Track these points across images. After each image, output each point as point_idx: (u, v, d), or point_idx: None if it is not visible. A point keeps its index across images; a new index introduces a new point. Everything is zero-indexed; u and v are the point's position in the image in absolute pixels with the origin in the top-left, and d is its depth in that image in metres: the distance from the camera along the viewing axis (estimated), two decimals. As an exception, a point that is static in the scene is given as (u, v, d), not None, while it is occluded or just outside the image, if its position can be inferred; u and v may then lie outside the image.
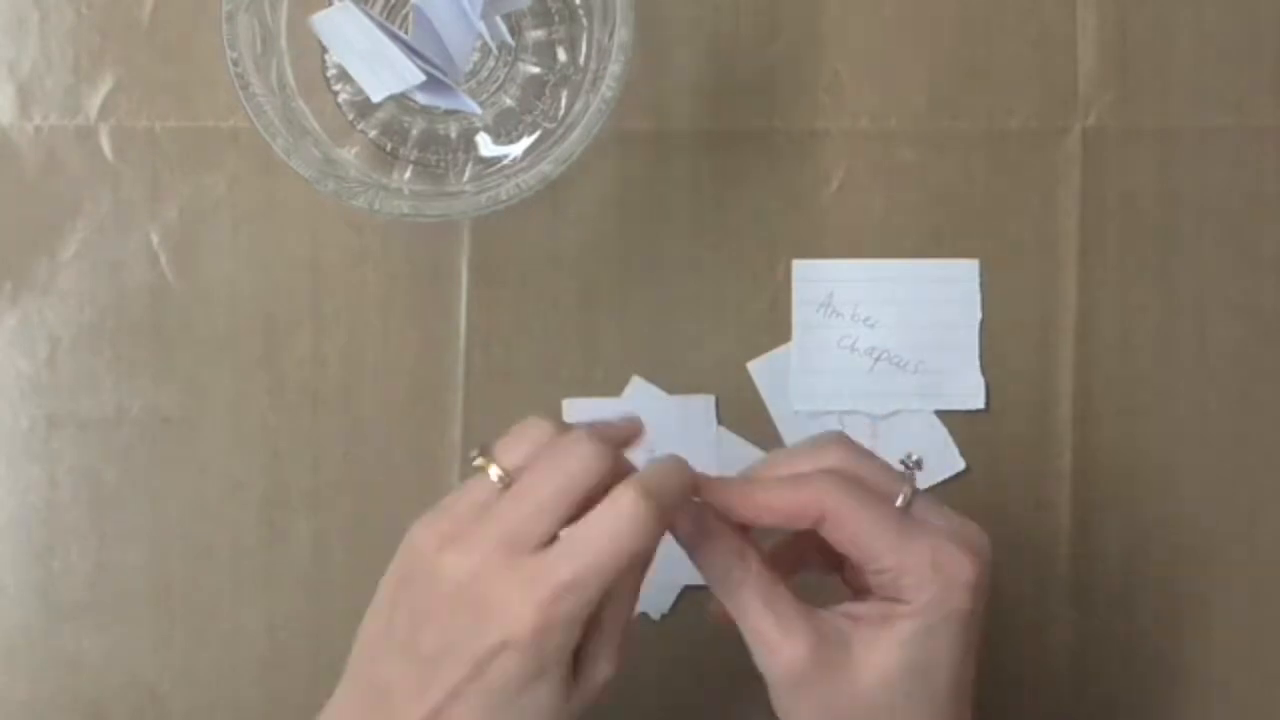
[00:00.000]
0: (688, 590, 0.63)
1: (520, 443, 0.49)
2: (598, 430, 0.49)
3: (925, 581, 0.48)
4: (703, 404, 0.63)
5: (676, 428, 0.63)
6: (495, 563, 0.47)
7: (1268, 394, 0.65)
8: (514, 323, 0.63)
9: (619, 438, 0.51)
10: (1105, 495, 0.64)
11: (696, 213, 0.64)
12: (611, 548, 0.46)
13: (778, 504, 0.49)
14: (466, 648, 0.47)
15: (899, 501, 0.49)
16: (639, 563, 0.48)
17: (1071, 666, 0.64)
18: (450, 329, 0.63)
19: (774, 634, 0.48)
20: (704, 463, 0.50)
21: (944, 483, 0.64)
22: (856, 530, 0.48)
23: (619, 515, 0.47)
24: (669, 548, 0.50)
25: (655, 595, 0.63)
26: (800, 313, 0.63)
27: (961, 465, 0.64)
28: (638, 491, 0.47)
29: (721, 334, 0.63)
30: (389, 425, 0.63)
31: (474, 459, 0.49)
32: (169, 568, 0.63)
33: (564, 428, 0.49)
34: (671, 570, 0.59)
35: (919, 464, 0.51)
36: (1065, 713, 0.64)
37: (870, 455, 0.51)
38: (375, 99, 0.56)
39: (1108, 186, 0.65)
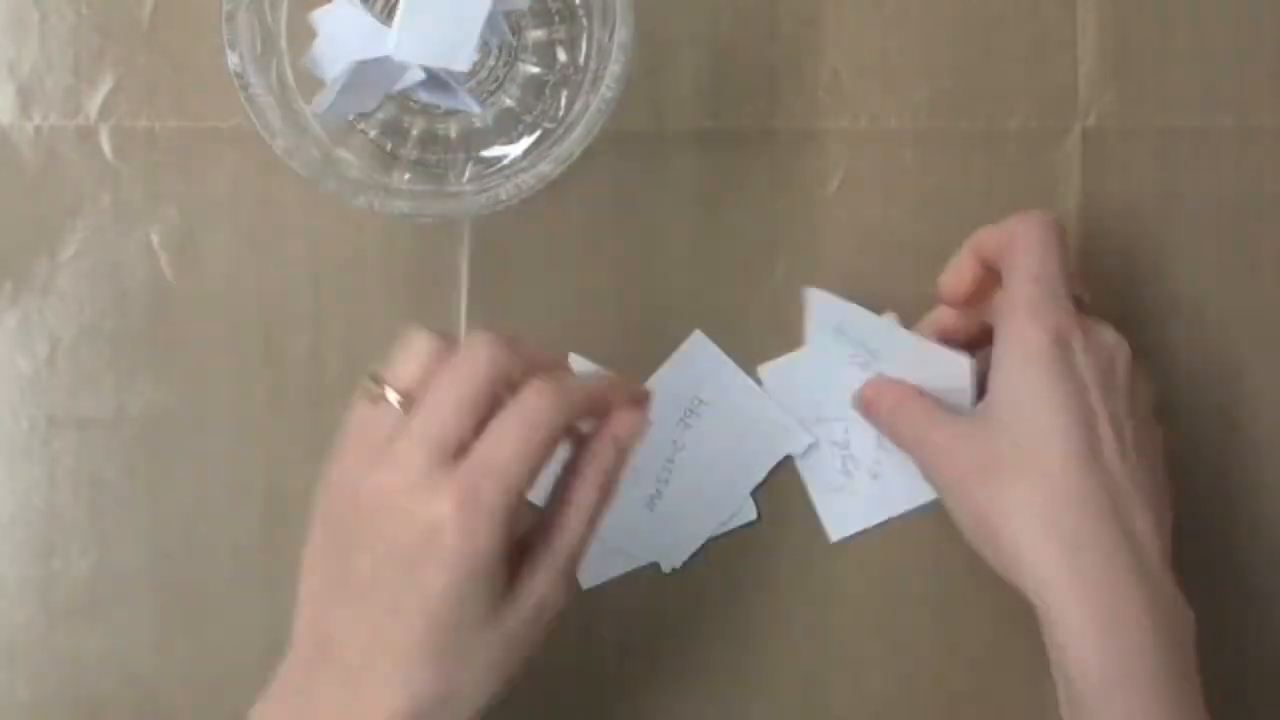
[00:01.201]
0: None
1: (409, 363, 0.50)
2: (499, 336, 0.50)
3: (1018, 311, 0.55)
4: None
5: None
6: (414, 476, 0.48)
7: (1268, 393, 0.65)
8: (514, 323, 0.63)
9: (536, 358, 0.51)
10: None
11: (696, 212, 0.64)
12: (519, 433, 0.48)
13: (988, 241, 0.58)
14: (396, 560, 0.48)
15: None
16: (550, 448, 0.49)
17: (1071, 666, 0.64)
18: (450, 329, 0.63)
19: (928, 421, 0.58)
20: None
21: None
22: (1021, 248, 0.56)
23: (524, 402, 0.48)
24: (683, 503, 0.57)
25: (669, 548, 0.63)
26: (812, 330, 0.63)
27: None
28: (541, 379, 0.49)
29: (721, 334, 0.63)
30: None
31: (368, 385, 0.50)
32: (169, 568, 0.63)
33: (449, 339, 0.50)
34: (686, 524, 0.60)
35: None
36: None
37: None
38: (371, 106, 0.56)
39: (1108, 186, 0.65)
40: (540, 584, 0.49)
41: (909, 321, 0.63)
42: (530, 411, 0.48)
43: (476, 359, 0.49)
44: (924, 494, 0.63)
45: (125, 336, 0.63)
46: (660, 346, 0.63)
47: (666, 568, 0.63)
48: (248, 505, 0.63)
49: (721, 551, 0.63)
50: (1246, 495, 0.65)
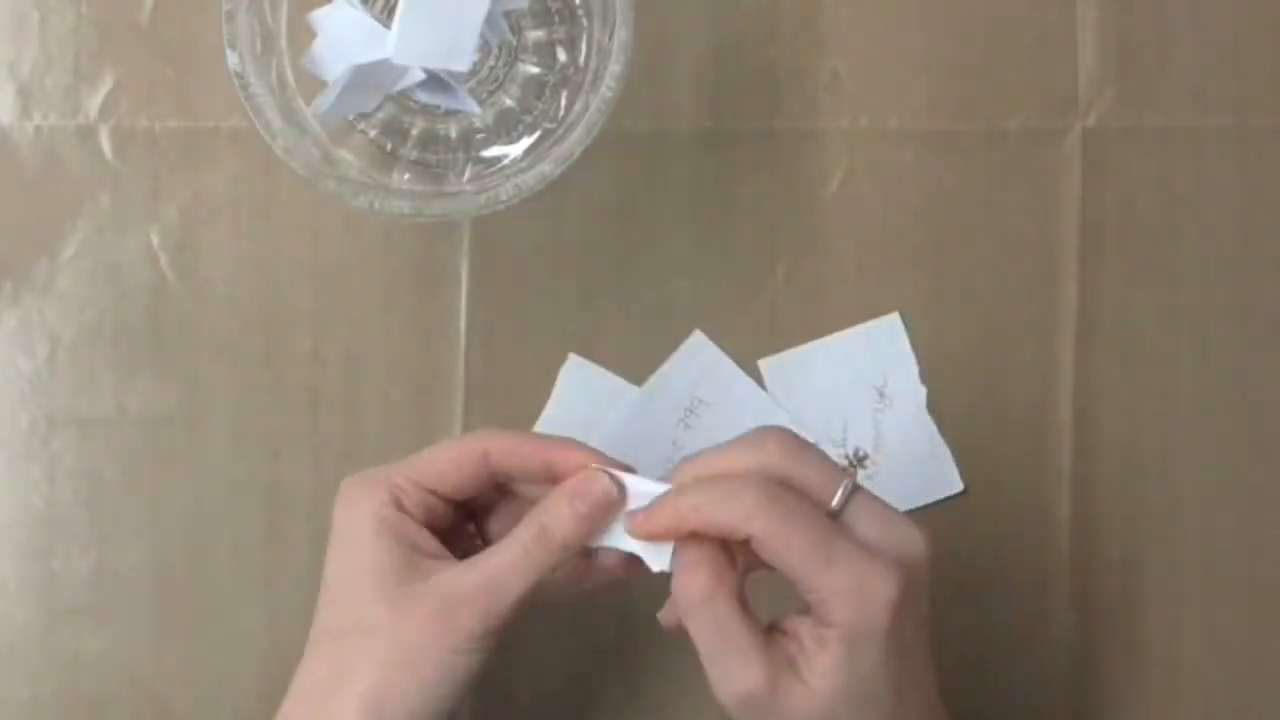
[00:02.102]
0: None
1: None
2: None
3: (846, 605, 0.48)
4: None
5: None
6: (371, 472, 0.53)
7: (1268, 394, 0.65)
8: (514, 323, 0.63)
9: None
10: (1105, 495, 0.64)
11: (696, 213, 0.64)
12: (501, 580, 0.50)
13: (706, 521, 0.49)
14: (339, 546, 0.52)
15: (835, 501, 0.49)
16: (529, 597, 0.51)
17: (1071, 666, 0.64)
18: (450, 329, 0.63)
19: (732, 662, 0.48)
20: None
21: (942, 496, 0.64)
22: (784, 553, 0.48)
23: (513, 550, 0.51)
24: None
25: (656, 549, 0.62)
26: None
27: (959, 483, 0.64)
28: (533, 533, 0.51)
29: (722, 334, 0.63)
30: (389, 425, 0.63)
31: None
32: (169, 568, 0.63)
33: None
34: None
35: (864, 459, 0.51)
36: (1065, 712, 0.64)
37: (810, 451, 0.50)
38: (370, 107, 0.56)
39: (1108, 186, 0.65)
40: (444, 579, 0.51)
41: (907, 324, 0.63)
42: (516, 555, 0.51)
43: (449, 451, 0.53)
44: (918, 497, 0.62)
45: (125, 336, 0.63)
46: (660, 346, 0.63)
47: (656, 569, 0.63)
48: (248, 505, 0.63)
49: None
50: (1248, 495, 0.65)
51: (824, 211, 0.64)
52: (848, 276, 0.64)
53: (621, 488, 0.51)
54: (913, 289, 0.64)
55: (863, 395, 0.63)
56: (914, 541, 0.49)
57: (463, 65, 0.55)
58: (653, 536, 0.50)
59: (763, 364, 0.63)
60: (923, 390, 0.63)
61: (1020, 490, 0.64)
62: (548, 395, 0.63)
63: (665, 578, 0.50)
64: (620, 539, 0.51)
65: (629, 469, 0.52)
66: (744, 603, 0.49)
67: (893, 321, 0.60)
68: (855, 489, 0.49)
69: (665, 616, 0.53)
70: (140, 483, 0.63)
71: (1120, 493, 0.64)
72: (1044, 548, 0.64)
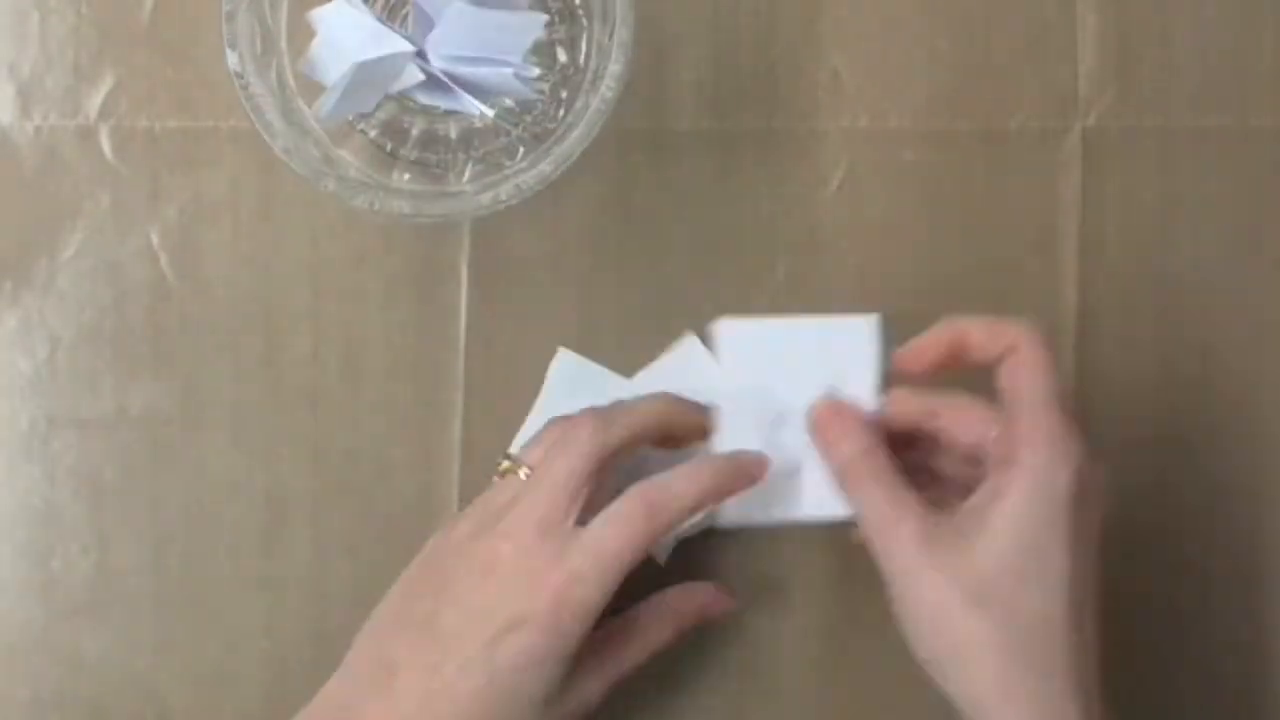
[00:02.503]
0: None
1: (539, 443, 0.55)
2: (606, 411, 0.54)
3: (1040, 446, 0.50)
4: None
5: None
6: (524, 544, 0.51)
7: (1268, 394, 0.65)
8: (514, 323, 0.63)
9: (639, 425, 0.55)
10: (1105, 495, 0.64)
11: (696, 213, 0.64)
12: (614, 547, 0.51)
13: (978, 330, 0.53)
14: (481, 624, 0.51)
15: None
16: (652, 539, 0.52)
17: (1071, 666, 0.64)
18: (450, 329, 0.63)
19: (893, 515, 0.51)
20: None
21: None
22: (1027, 375, 0.51)
23: (619, 519, 0.52)
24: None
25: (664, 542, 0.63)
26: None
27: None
28: (639, 503, 0.52)
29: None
30: (389, 425, 0.63)
31: (501, 466, 0.56)
32: (169, 568, 0.63)
33: (575, 419, 0.54)
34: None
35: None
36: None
37: None
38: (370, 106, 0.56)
39: (1108, 186, 0.65)
40: (592, 689, 0.53)
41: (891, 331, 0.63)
42: (623, 526, 0.52)
43: (579, 438, 0.53)
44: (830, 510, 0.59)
45: (125, 336, 0.63)
46: (660, 347, 0.63)
47: (662, 559, 0.63)
48: (248, 505, 0.63)
49: (721, 547, 0.63)
50: (1248, 495, 0.65)
51: (824, 211, 0.64)
52: (848, 276, 0.64)
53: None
54: (912, 289, 0.64)
55: (812, 389, 0.57)
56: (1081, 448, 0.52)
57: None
58: (930, 346, 0.54)
59: (721, 326, 0.58)
60: (879, 402, 0.56)
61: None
62: (548, 395, 0.63)
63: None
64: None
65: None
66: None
67: (867, 324, 0.56)
68: None
69: (855, 535, 0.54)
70: (140, 483, 0.63)
71: (1120, 493, 0.64)
72: (1044, 548, 0.64)
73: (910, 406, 0.55)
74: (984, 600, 0.49)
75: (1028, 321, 0.53)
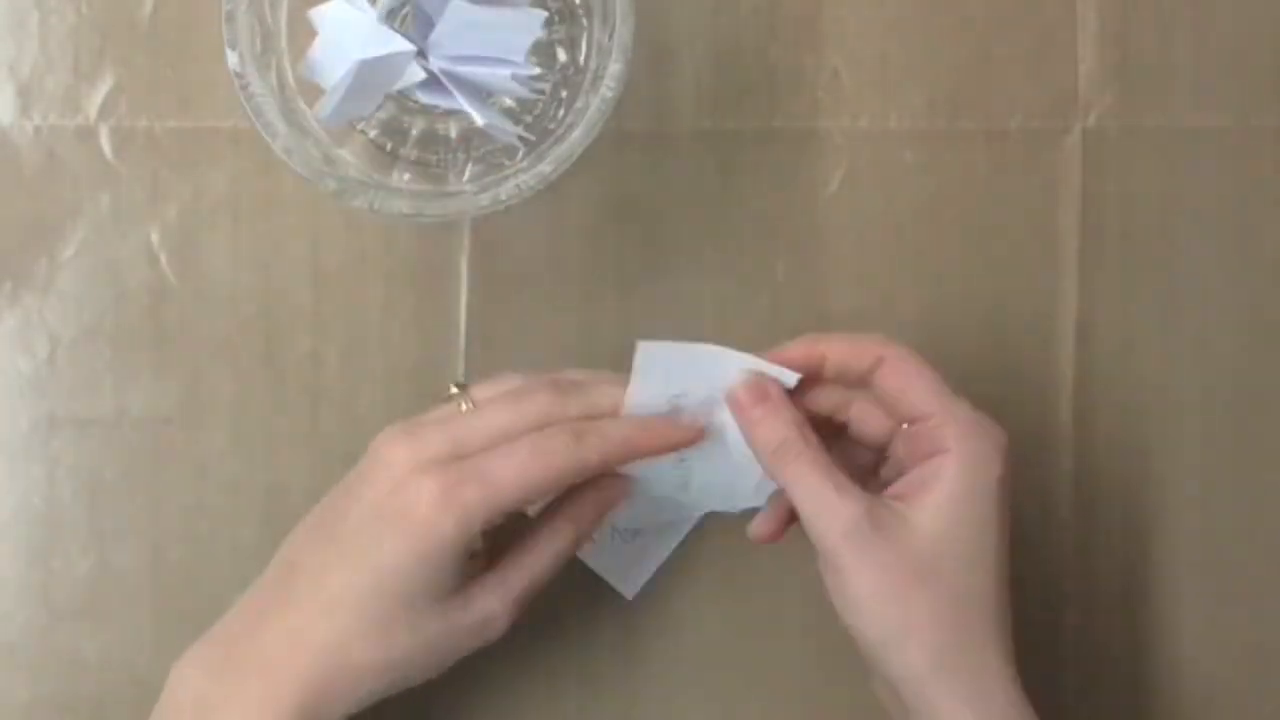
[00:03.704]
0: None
1: (494, 385, 0.55)
2: (566, 382, 0.54)
3: (968, 433, 0.52)
4: None
5: None
6: (423, 458, 0.52)
7: (1268, 394, 0.65)
8: (514, 323, 0.63)
9: (595, 400, 0.54)
10: (1105, 495, 0.64)
11: (696, 213, 0.64)
12: (523, 459, 0.51)
13: (839, 346, 0.54)
14: (371, 518, 0.52)
15: None
16: (551, 488, 0.53)
17: (1072, 666, 0.64)
18: (450, 329, 0.63)
19: (832, 496, 0.51)
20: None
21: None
22: (909, 377, 0.52)
23: (545, 437, 0.52)
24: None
25: (628, 575, 0.63)
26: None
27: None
28: (569, 434, 0.52)
29: (721, 334, 0.63)
30: (389, 425, 0.63)
31: (452, 390, 0.55)
32: (169, 568, 0.63)
33: (536, 380, 0.54)
34: (642, 554, 0.62)
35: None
36: (1065, 712, 0.64)
37: None
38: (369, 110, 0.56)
39: (1108, 186, 0.65)
40: (490, 602, 0.53)
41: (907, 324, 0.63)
42: (544, 449, 0.52)
43: (533, 399, 0.53)
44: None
45: (125, 336, 0.63)
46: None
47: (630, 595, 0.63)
48: (248, 505, 0.63)
49: (722, 545, 0.63)
50: (1248, 495, 0.65)
51: (824, 211, 0.64)
52: (848, 276, 0.64)
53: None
54: (913, 289, 0.64)
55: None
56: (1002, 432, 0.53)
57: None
58: (788, 362, 0.54)
59: (641, 345, 0.57)
60: (794, 382, 0.55)
61: (1020, 490, 0.64)
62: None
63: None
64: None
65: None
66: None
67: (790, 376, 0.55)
68: None
69: (757, 528, 0.56)
70: (140, 483, 0.63)
71: (1120, 492, 0.64)
72: (1044, 548, 0.64)
73: (826, 398, 0.56)
74: (924, 580, 0.51)
75: (885, 336, 0.54)
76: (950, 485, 0.51)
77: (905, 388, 0.53)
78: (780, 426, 0.53)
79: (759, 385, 0.54)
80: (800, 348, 0.55)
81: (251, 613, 0.54)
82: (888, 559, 0.51)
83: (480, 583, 0.53)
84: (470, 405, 0.54)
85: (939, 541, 0.51)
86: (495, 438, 0.52)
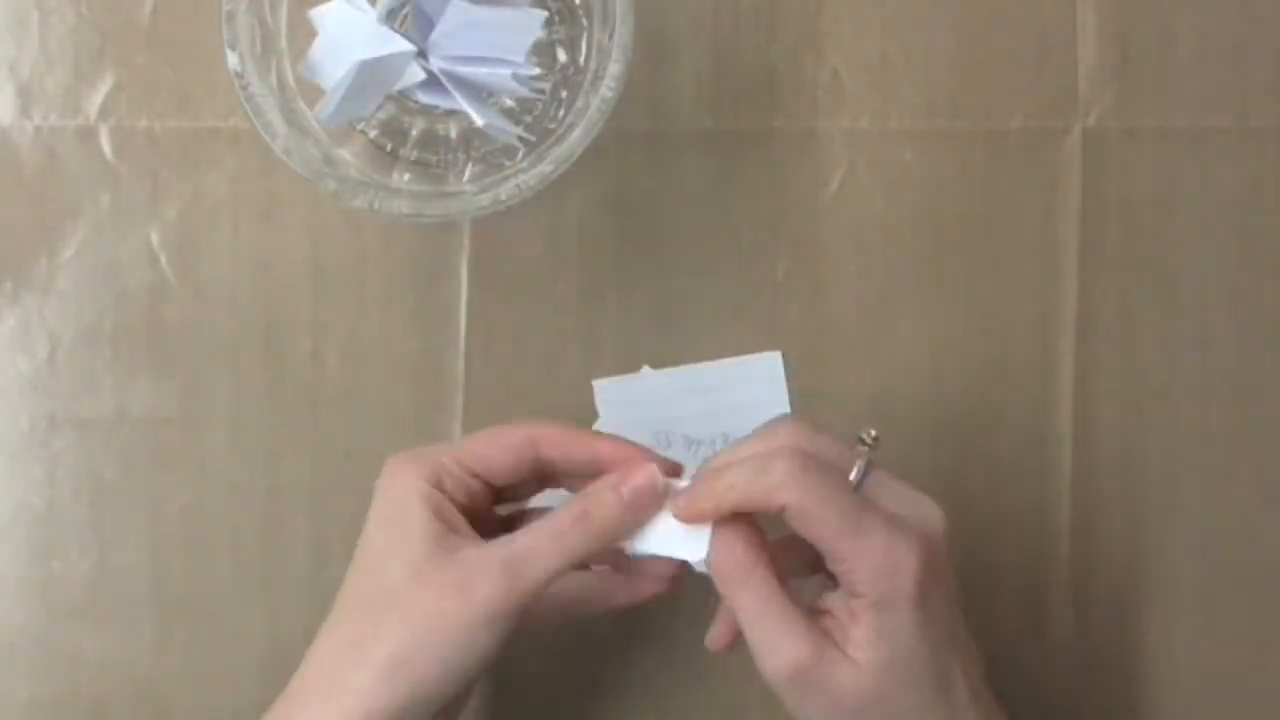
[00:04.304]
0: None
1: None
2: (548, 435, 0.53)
3: (874, 574, 0.49)
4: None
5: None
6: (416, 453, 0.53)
7: (1268, 394, 0.65)
8: (514, 323, 0.63)
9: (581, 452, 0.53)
10: (1105, 495, 0.64)
11: (696, 213, 0.64)
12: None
13: (742, 495, 0.50)
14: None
15: (852, 476, 0.50)
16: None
17: (1072, 666, 0.64)
18: (450, 329, 0.63)
19: (776, 634, 0.49)
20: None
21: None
22: (815, 522, 0.49)
23: (546, 531, 0.51)
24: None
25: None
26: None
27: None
28: (572, 517, 0.51)
29: (721, 334, 0.63)
30: (389, 425, 0.63)
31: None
32: (169, 568, 0.63)
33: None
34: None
35: (876, 440, 0.51)
36: (1065, 712, 0.64)
37: (824, 432, 0.51)
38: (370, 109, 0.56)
39: (1108, 186, 0.65)
40: (470, 555, 0.51)
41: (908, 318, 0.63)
42: (556, 537, 0.51)
43: (506, 434, 0.54)
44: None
45: (125, 336, 0.63)
46: (660, 347, 0.63)
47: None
48: (248, 505, 0.63)
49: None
50: (1248, 495, 0.65)
51: (824, 211, 0.64)
52: (848, 276, 0.64)
53: (667, 482, 0.52)
54: (913, 289, 0.64)
55: (718, 426, 0.60)
56: (932, 515, 0.51)
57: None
58: (695, 517, 0.51)
59: (596, 385, 0.62)
60: None
61: (1020, 491, 0.64)
62: (546, 394, 0.63)
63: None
64: (658, 543, 0.51)
65: (677, 467, 0.52)
66: (782, 581, 0.50)
67: (770, 361, 0.56)
68: (869, 467, 0.50)
69: (713, 637, 0.55)
70: (140, 483, 0.63)
71: (1120, 493, 0.64)
72: (1044, 548, 0.64)
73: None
74: (863, 715, 0.50)
75: (781, 470, 0.49)
76: (866, 635, 0.49)
77: (810, 531, 0.49)
78: (737, 550, 0.50)
79: (707, 495, 0.51)
80: (703, 496, 0.51)
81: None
82: (831, 699, 0.49)
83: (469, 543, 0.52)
84: None
85: (875, 679, 0.49)
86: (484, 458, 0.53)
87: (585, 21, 0.60)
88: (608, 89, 0.55)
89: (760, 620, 0.50)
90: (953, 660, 0.51)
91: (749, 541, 0.50)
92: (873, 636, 0.49)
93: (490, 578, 0.50)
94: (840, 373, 0.64)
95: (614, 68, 0.55)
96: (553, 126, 0.60)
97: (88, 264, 0.63)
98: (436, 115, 0.61)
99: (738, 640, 0.53)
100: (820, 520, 0.49)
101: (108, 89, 0.63)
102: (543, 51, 0.61)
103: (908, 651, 0.49)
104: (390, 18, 0.55)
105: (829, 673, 0.49)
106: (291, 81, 0.58)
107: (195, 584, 0.63)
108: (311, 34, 0.55)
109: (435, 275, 0.63)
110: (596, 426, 0.62)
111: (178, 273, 0.63)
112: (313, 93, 0.57)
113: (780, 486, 0.49)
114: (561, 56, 0.61)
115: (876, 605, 0.49)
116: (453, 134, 0.61)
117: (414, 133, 0.61)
